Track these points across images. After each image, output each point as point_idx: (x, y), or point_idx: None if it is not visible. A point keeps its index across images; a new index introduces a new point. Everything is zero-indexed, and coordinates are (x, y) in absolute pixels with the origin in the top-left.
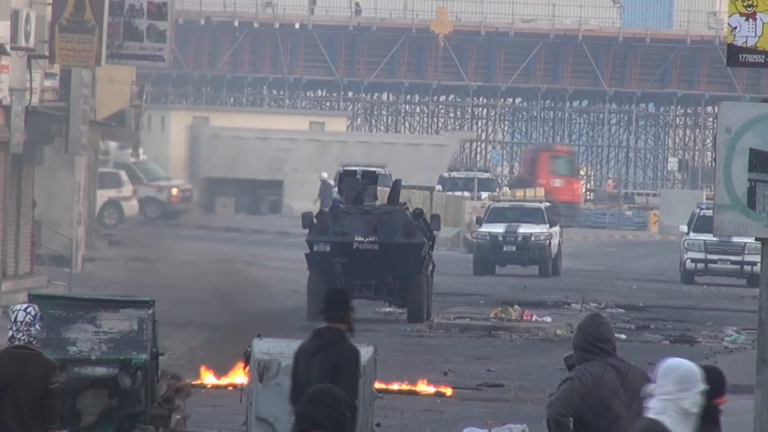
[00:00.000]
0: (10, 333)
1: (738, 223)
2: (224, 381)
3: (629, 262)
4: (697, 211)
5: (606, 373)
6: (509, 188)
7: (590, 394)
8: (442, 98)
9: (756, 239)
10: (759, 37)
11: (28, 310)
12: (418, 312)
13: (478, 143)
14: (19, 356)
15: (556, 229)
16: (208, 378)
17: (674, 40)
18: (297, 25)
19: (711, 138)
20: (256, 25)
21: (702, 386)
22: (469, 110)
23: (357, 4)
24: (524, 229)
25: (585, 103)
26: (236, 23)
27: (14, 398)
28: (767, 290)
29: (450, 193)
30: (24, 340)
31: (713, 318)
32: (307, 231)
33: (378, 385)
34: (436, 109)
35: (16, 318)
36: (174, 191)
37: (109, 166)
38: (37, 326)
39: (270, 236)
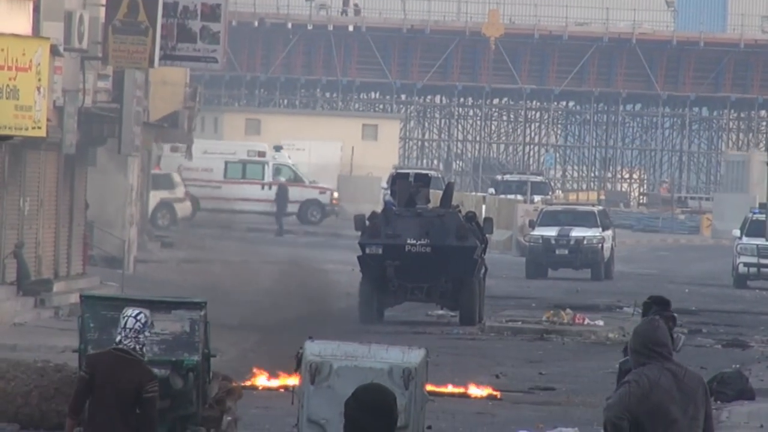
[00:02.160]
0: (118, 338)
1: None
2: (276, 383)
3: (682, 266)
4: (750, 215)
5: (663, 377)
6: None
7: (647, 397)
8: (495, 101)
9: None
10: None
11: (138, 317)
12: (470, 315)
13: (531, 146)
14: (118, 359)
15: (609, 232)
16: (259, 380)
17: (728, 43)
18: (350, 28)
19: (764, 142)
20: (309, 27)
21: None
22: (523, 113)
23: (356, 5)
24: (577, 232)
25: (638, 106)
26: (289, 25)
27: (104, 400)
28: None
29: (503, 196)
30: (131, 346)
31: (766, 322)
32: (359, 233)
33: (429, 387)
34: (489, 112)
35: (125, 324)
36: (335, 194)
37: (269, 168)
38: (146, 333)
39: (322, 238)
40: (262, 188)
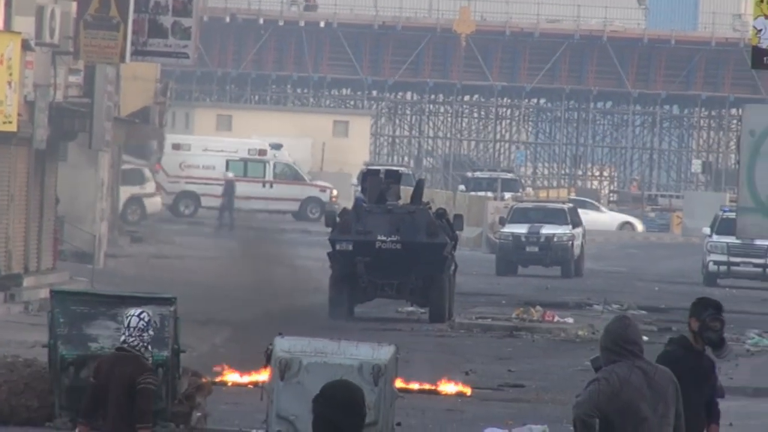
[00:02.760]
0: (122, 338)
1: (761, 225)
2: (245, 379)
3: (652, 263)
4: (720, 213)
5: (633, 375)
6: None
7: (617, 395)
8: (467, 98)
9: None
10: None
11: (141, 316)
12: (440, 312)
13: (502, 143)
14: (117, 358)
15: (579, 230)
16: (229, 375)
17: (699, 42)
18: (322, 24)
19: (735, 140)
20: (281, 23)
21: None
22: (494, 110)
23: None
24: (547, 229)
25: (609, 104)
26: (261, 21)
27: (107, 398)
28: None
29: (473, 193)
30: (135, 344)
31: (735, 321)
32: (329, 229)
33: (399, 384)
34: (460, 109)
35: (129, 324)
36: (335, 192)
37: (270, 166)
38: (150, 332)
39: (293, 235)
40: (263, 186)
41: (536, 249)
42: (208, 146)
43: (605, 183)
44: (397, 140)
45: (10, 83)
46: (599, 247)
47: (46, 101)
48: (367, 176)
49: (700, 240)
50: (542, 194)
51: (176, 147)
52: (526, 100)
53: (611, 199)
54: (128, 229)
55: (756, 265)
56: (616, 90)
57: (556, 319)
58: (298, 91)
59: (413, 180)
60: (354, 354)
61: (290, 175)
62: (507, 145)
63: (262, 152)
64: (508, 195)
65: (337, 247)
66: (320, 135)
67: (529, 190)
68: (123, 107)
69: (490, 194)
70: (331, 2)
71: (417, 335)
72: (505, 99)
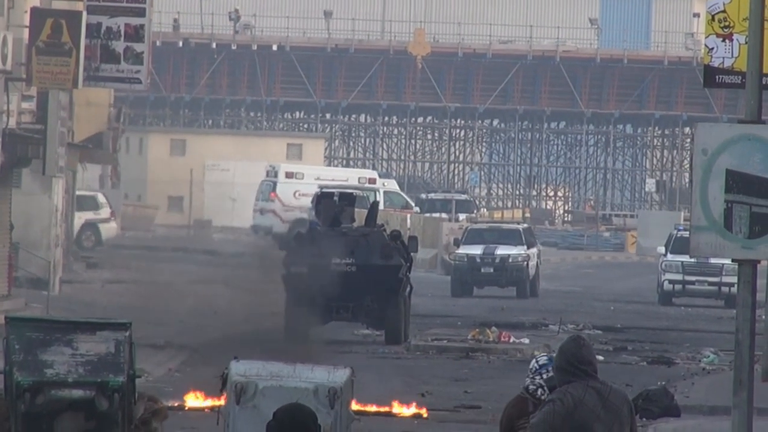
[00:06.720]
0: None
1: (715, 244)
2: (201, 403)
3: (607, 283)
4: (675, 232)
5: (587, 395)
6: None
7: (571, 416)
8: (420, 120)
9: (732, 260)
10: (735, 58)
11: (537, 359)
12: (395, 334)
13: (456, 164)
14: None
15: (534, 250)
16: (185, 400)
17: (652, 61)
18: (274, 47)
19: (688, 159)
20: (233, 47)
21: None
22: (447, 132)
23: (246, 24)
24: (502, 250)
25: (563, 124)
26: (214, 45)
27: None
28: (744, 311)
29: (428, 214)
30: (526, 384)
31: (691, 339)
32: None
33: (355, 406)
34: (414, 131)
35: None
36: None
37: (380, 195)
38: (542, 375)
39: (248, 258)
40: None
41: (491, 270)
42: (320, 175)
43: (560, 203)
44: (351, 163)
45: None
46: (554, 267)
47: None
48: (321, 199)
49: (654, 259)
50: (497, 215)
51: (290, 175)
52: (480, 121)
53: (566, 219)
54: (83, 255)
55: (711, 284)
56: (570, 110)
57: (512, 339)
58: (252, 114)
59: (367, 202)
60: (309, 377)
61: (399, 203)
62: (461, 167)
63: (372, 181)
64: (462, 216)
65: (292, 270)
66: (274, 158)
67: (484, 210)
68: (77, 133)
69: (444, 215)
70: (283, 26)
71: (373, 357)
72: (458, 120)
